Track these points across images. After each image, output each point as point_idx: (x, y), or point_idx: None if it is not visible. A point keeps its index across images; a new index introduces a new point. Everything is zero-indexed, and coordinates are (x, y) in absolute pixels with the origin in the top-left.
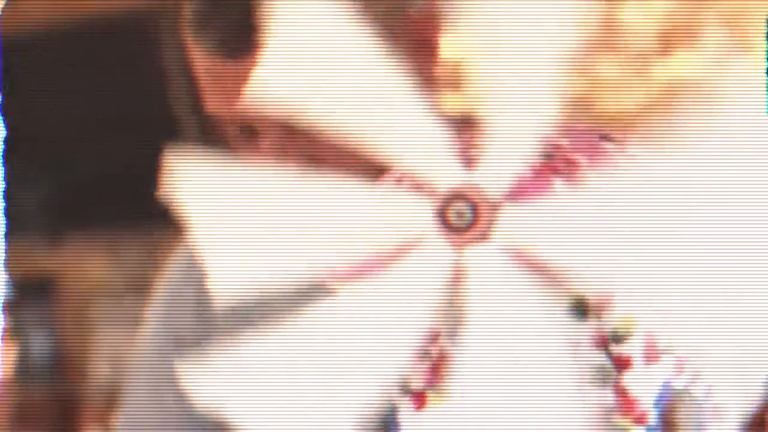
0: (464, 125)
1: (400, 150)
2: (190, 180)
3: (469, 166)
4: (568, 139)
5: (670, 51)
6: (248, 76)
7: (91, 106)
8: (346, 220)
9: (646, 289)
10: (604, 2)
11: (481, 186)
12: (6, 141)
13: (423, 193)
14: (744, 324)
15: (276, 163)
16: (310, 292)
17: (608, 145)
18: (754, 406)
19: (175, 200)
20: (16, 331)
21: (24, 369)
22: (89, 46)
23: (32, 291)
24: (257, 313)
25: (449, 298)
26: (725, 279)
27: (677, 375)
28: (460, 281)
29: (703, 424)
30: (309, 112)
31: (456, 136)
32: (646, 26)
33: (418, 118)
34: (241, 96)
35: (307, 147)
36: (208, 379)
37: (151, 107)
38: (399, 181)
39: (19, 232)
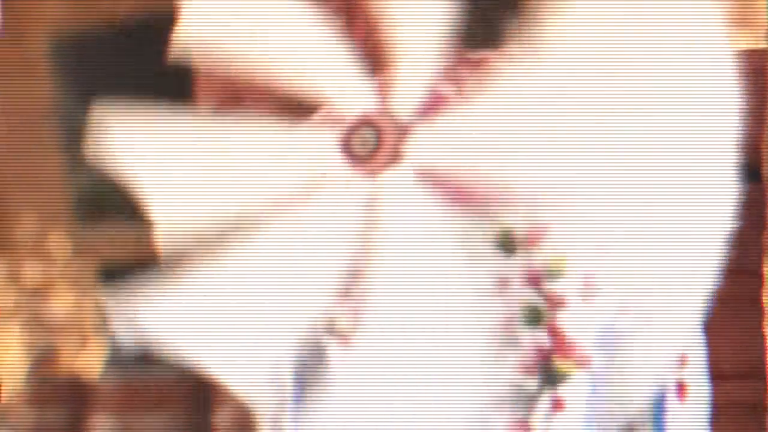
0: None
1: (308, 77)
2: (120, 133)
3: (379, 95)
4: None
5: None
6: None
7: None
8: (257, 157)
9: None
10: None
11: (388, 109)
12: None
13: (329, 125)
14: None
15: (195, 110)
16: (237, 231)
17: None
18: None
19: (105, 153)
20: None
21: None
22: None
23: None
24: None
25: (367, 228)
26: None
27: (621, 315)
28: (374, 210)
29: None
30: (229, 53)
31: (370, 72)
32: None
33: (328, 47)
34: None
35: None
36: (151, 313)
37: None
38: (308, 118)
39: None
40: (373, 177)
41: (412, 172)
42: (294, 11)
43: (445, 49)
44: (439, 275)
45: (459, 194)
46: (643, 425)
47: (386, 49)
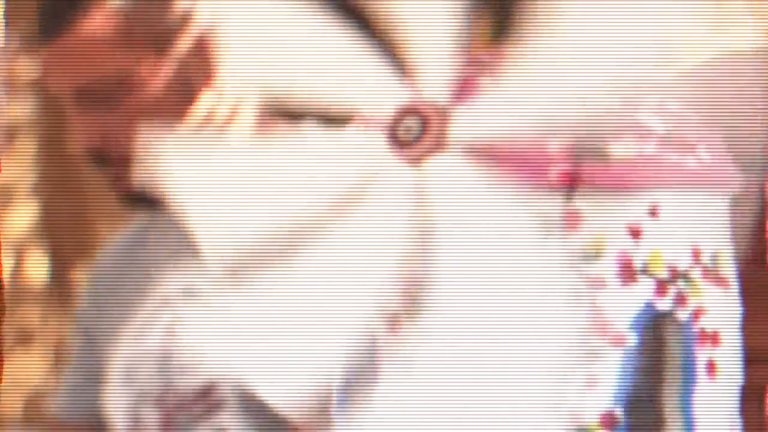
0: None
1: (343, 86)
2: (168, 157)
3: (411, 86)
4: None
5: None
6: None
7: None
8: (308, 165)
9: None
10: None
11: (426, 96)
12: None
13: (372, 122)
14: None
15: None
16: (294, 241)
17: None
18: None
19: (155, 177)
20: None
21: None
22: None
23: None
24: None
25: (419, 216)
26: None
27: (659, 297)
28: (424, 196)
29: (690, 348)
30: (271, 84)
31: (396, 66)
32: None
33: (354, 53)
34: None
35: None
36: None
37: None
38: (353, 123)
39: None
40: (419, 164)
41: (459, 152)
42: (315, 23)
43: (463, 38)
44: (510, 254)
45: (511, 161)
46: (673, 404)
47: (402, 47)
